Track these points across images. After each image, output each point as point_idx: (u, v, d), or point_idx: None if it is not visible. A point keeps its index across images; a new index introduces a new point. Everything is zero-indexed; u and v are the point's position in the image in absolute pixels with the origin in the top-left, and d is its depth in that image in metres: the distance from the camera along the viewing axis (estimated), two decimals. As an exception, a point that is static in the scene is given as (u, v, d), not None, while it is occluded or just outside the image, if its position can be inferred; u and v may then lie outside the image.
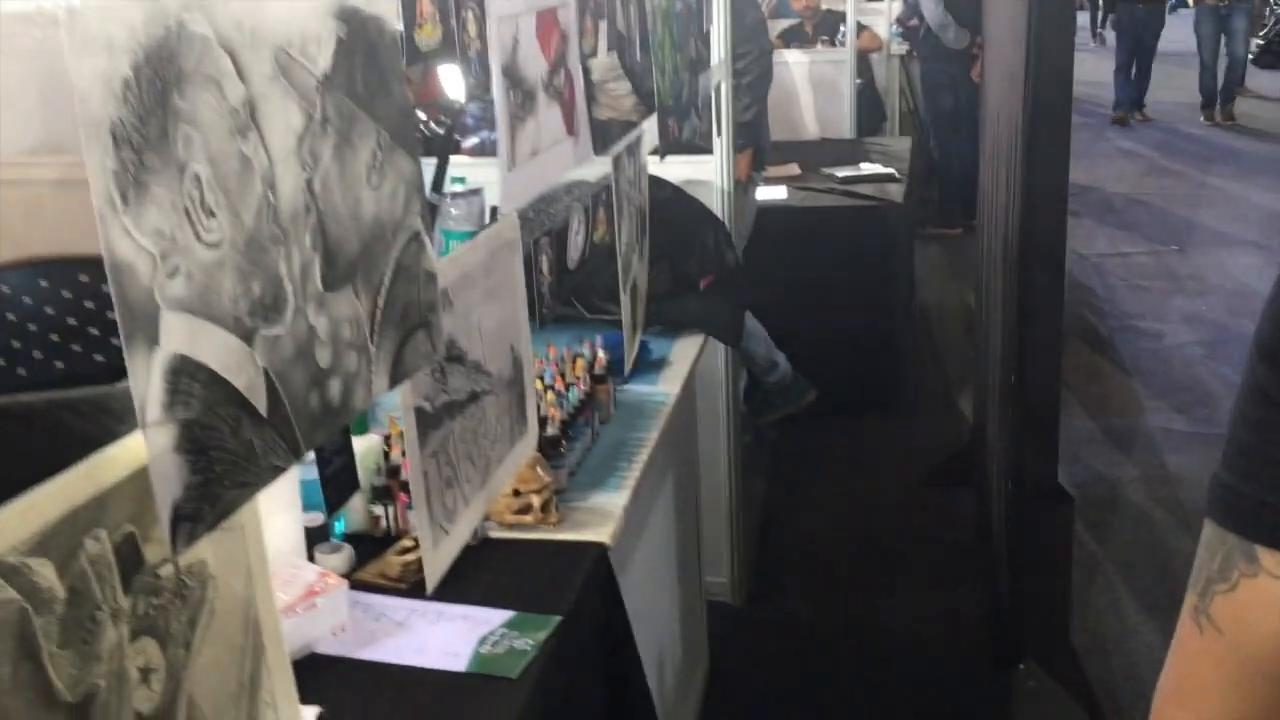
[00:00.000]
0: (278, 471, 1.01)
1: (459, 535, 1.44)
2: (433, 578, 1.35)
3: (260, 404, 0.99)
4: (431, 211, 2.52)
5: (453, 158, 2.74)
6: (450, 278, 1.40)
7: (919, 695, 3.12)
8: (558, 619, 1.71)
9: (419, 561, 1.47)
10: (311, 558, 1.80)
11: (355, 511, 1.89)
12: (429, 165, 2.53)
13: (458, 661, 1.62)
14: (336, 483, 1.13)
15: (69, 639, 0.80)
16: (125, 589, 0.86)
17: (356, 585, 1.78)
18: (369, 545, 1.88)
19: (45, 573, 0.77)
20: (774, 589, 3.66)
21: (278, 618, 1.04)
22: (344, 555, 1.82)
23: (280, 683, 1.04)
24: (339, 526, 1.89)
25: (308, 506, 1.78)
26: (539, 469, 1.95)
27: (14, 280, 2.80)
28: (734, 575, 3.52)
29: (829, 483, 4.34)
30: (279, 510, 1.72)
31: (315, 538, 1.81)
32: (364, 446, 1.90)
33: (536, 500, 1.95)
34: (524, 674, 1.58)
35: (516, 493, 1.93)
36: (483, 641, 1.66)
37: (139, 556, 0.87)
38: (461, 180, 2.68)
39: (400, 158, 1.26)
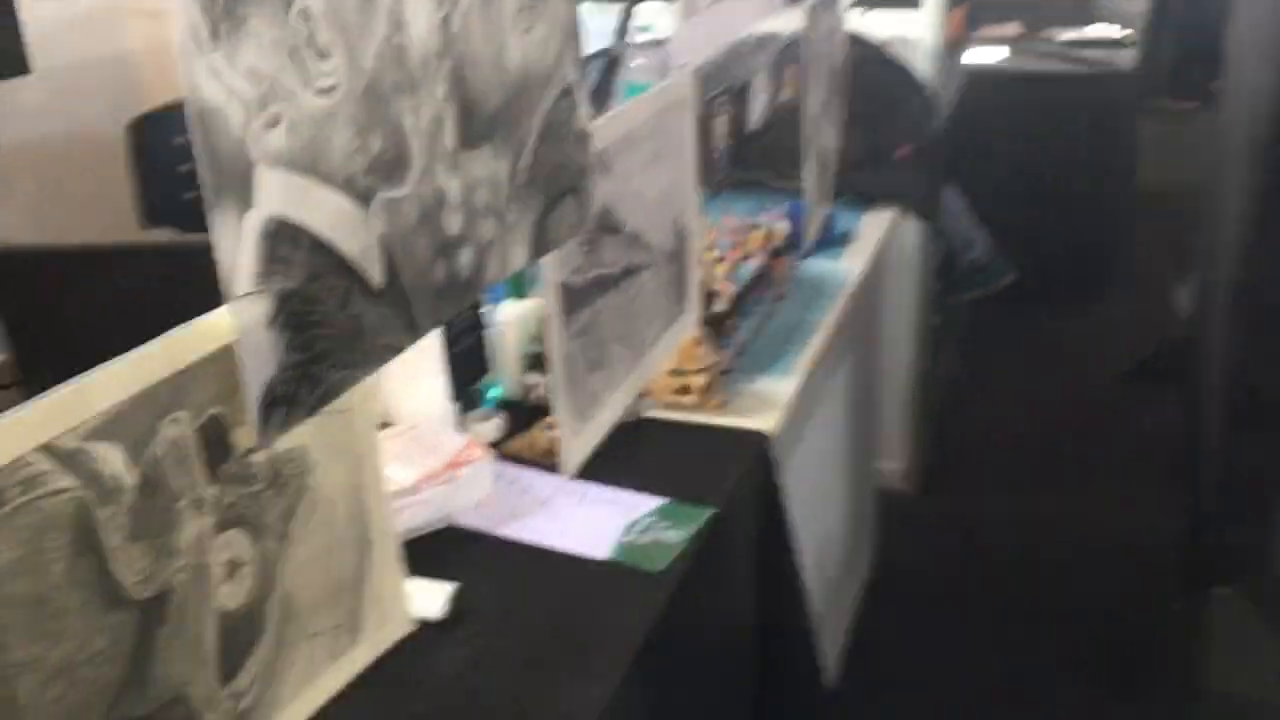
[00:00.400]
0: (392, 352, 0.90)
1: (603, 422, 1.33)
2: (569, 465, 1.24)
3: (374, 275, 0.88)
4: (613, 62, 2.36)
5: (640, 3, 2.56)
6: (609, 139, 1.25)
7: (1098, 608, 2.93)
8: (711, 511, 1.59)
9: (563, 442, 1.37)
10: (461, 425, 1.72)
11: (509, 378, 1.81)
12: (614, 9, 2.37)
13: (600, 549, 1.53)
14: (464, 364, 1.03)
15: (140, 532, 0.72)
16: (210, 477, 0.77)
17: (505, 457, 1.70)
18: (521, 415, 1.79)
19: (111, 459, 0.69)
20: (952, 481, 3.48)
21: (388, 508, 0.95)
22: (494, 424, 1.74)
23: (388, 578, 0.96)
24: (493, 394, 1.81)
25: (459, 370, 1.70)
26: (703, 348, 1.82)
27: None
28: (910, 464, 3.36)
29: (1022, 372, 4.08)
30: (427, 373, 1.64)
31: (468, 403, 1.74)
32: (521, 311, 1.80)
33: (698, 381, 1.82)
34: (669, 569, 1.48)
35: (677, 372, 1.81)
36: (628, 529, 1.56)
37: (227, 442, 0.78)
38: (648, 28, 2.51)
39: (560, 4, 1.11)
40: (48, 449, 0.64)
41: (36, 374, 1.70)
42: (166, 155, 2.70)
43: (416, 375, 1.65)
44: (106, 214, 2.93)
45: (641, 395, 1.77)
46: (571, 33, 1.13)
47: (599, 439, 1.32)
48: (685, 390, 1.83)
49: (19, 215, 2.91)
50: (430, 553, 1.51)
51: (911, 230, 3.04)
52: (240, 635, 0.81)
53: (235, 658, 0.81)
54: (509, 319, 1.76)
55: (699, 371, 1.83)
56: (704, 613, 1.55)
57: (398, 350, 0.91)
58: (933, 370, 3.43)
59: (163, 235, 2.40)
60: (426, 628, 1.34)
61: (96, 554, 0.69)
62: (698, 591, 1.51)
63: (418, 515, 1.54)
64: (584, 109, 1.16)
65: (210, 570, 0.78)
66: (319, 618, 0.88)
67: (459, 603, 1.39)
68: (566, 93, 1.13)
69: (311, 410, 0.82)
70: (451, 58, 0.96)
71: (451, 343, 1.01)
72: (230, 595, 0.80)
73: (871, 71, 2.50)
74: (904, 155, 2.65)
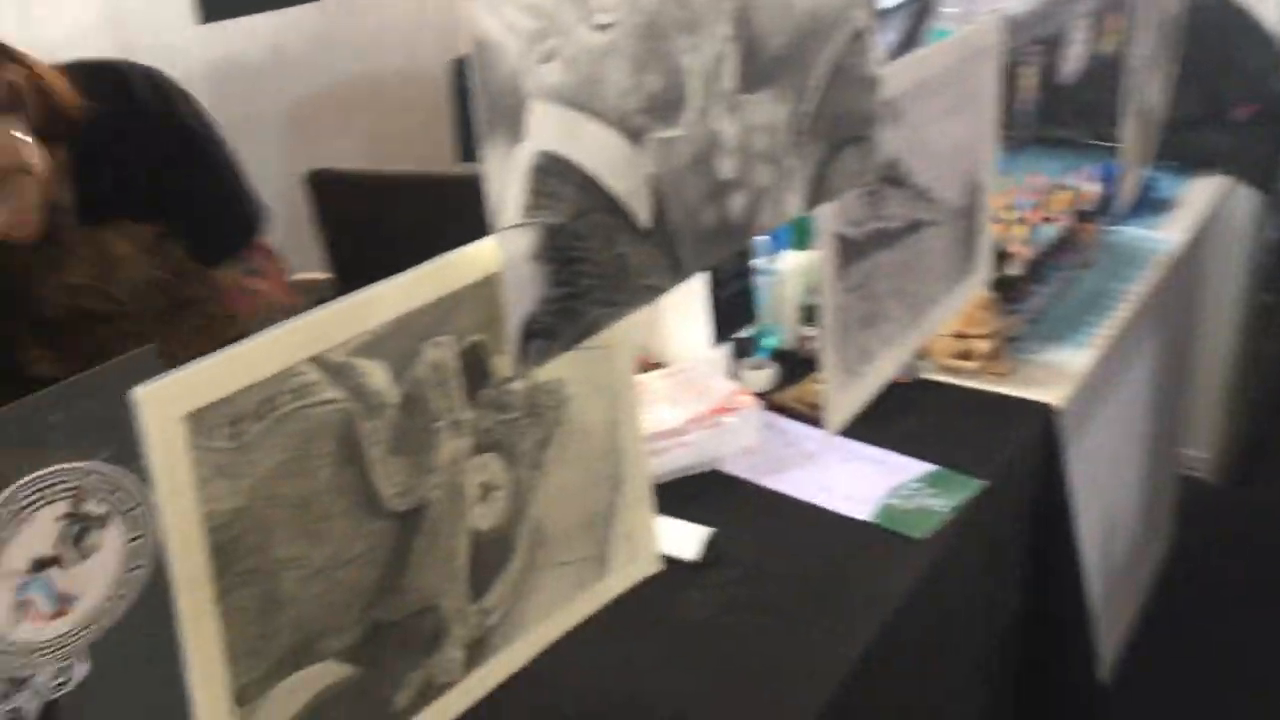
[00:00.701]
0: (654, 292, 0.90)
1: (874, 378, 1.28)
2: (834, 421, 1.21)
3: (641, 214, 0.88)
4: (924, 8, 2.26)
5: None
6: (902, 86, 1.20)
7: None
8: (982, 483, 1.52)
9: (832, 397, 1.34)
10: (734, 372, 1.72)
11: (786, 329, 1.79)
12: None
13: (862, 509, 1.49)
14: (729, 310, 1.02)
15: (400, 446, 0.75)
16: (469, 401, 0.80)
17: (773, 407, 1.69)
18: (794, 366, 1.77)
19: (376, 375, 0.72)
20: (1266, 471, 3.18)
21: (643, 448, 0.95)
22: (766, 374, 1.72)
23: (639, 516, 0.97)
24: (767, 343, 1.80)
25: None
26: (991, 311, 1.73)
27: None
28: (1220, 453, 3.09)
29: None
30: (702, 317, 1.65)
31: (741, 349, 1.73)
32: (801, 262, 1.77)
33: (983, 346, 1.74)
34: (931, 537, 1.42)
35: (960, 335, 1.73)
36: (894, 492, 1.51)
37: (486, 368, 0.81)
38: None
39: (855, -64, 1.06)
40: (317, 361, 0.68)
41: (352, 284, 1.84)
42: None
43: (691, 318, 1.66)
44: (429, 146, 3.10)
45: (920, 356, 1.71)
46: (867, -28, 1.08)
47: (868, 396, 1.28)
48: (968, 355, 1.75)
49: (356, 143, 3.12)
50: (691, 495, 1.52)
51: (1244, 199, 2.76)
52: (491, 555, 0.84)
53: (485, 576, 0.84)
54: (789, 269, 1.74)
55: (984, 336, 1.74)
56: (965, 587, 1.49)
57: (661, 291, 0.91)
58: (1258, 354, 3.13)
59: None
60: (679, 569, 1.35)
61: (359, 464, 0.73)
62: (960, 564, 1.45)
63: (682, 457, 1.55)
64: (874, 54, 1.11)
65: (465, 490, 0.81)
66: (568, 548, 0.91)
67: (714, 548, 1.40)
68: (856, 36, 1.09)
69: (570, 344, 0.83)
70: (737, -4, 0.94)
71: (717, 287, 1.00)
72: (483, 516, 0.83)
73: (1210, 19, 2.28)
74: (1244, 115, 2.41)
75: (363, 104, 3.12)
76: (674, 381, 1.63)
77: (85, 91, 1.39)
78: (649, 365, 1.70)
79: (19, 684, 0.91)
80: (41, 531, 0.61)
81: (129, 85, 1.44)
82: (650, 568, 0.97)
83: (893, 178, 1.23)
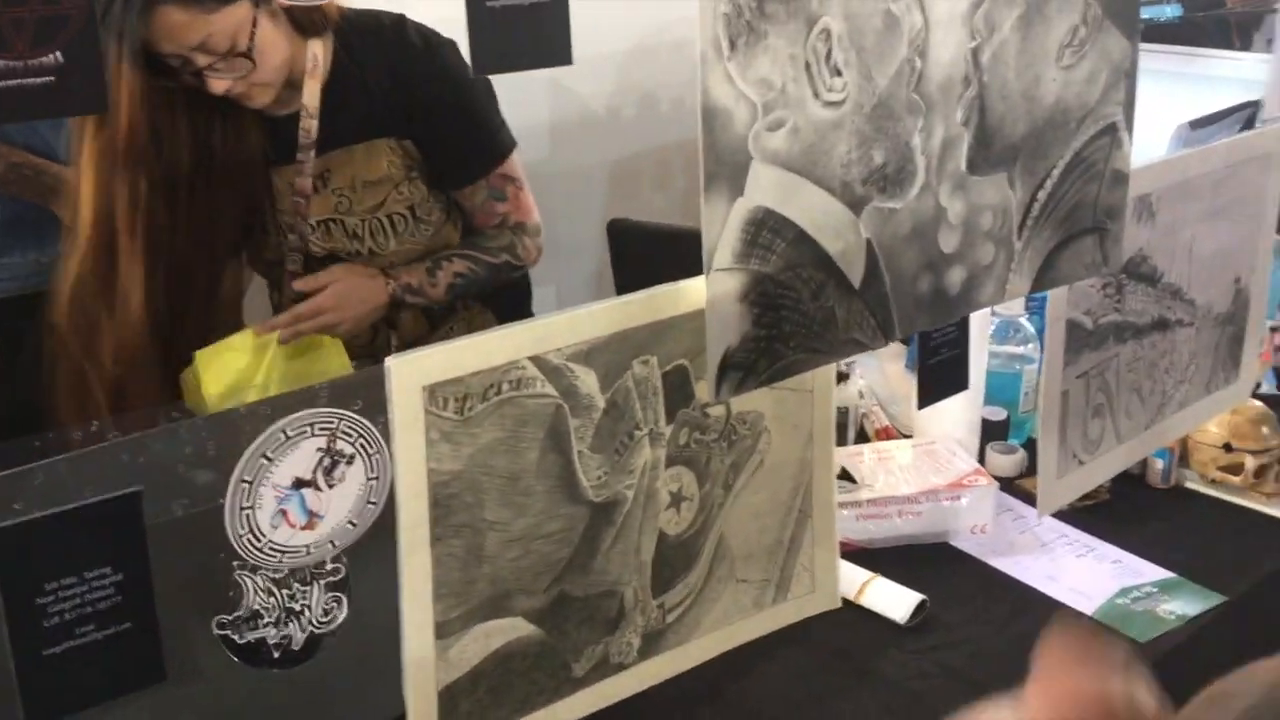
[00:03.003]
0: (858, 347, 0.98)
1: (1098, 469, 1.29)
2: (1046, 505, 1.23)
3: (854, 275, 0.97)
4: (1249, 115, 2.20)
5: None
6: (1157, 184, 1.22)
7: None
8: (1221, 599, 1.47)
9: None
10: (983, 452, 1.74)
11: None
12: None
13: (1086, 603, 1.48)
14: (935, 376, 1.07)
15: (601, 445, 0.88)
16: (669, 417, 0.91)
17: (1016, 492, 1.70)
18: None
19: (587, 380, 0.85)
20: None
21: (833, 488, 1.03)
22: (1015, 459, 1.73)
23: (822, 553, 1.04)
24: (1025, 429, 1.81)
25: (992, 400, 1.72)
26: (1267, 428, 1.67)
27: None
28: None
29: None
30: (962, 397, 1.69)
31: (992, 433, 1.75)
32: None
33: (1252, 462, 1.67)
34: (1153, 642, 1.40)
35: (1229, 447, 1.67)
36: (1124, 593, 1.49)
37: (689, 391, 0.92)
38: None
39: (1110, 37, 1.11)
40: (536, 360, 0.82)
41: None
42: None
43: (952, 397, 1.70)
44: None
45: (1184, 464, 1.67)
46: (1123, 70, 1.12)
47: (1088, 486, 1.29)
48: (1236, 469, 1.69)
49: (671, 201, 3.35)
50: (915, 563, 1.55)
51: None
52: (675, 559, 0.95)
53: (668, 576, 0.95)
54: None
55: (1257, 452, 1.68)
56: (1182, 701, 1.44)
57: (865, 347, 0.99)
58: None
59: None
60: (886, 627, 1.40)
61: (563, 453, 0.85)
62: (1183, 676, 1.40)
63: (910, 525, 1.60)
64: (1125, 149, 1.14)
65: (658, 495, 0.92)
66: (749, 567, 1.00)
67: (923, 613, 1.43)
68: (1107, 131, 1.13)
69: (766, 381, 0.92)
70: (977, 86, 1.02)
71: (928, 355, 1.06)
72: (671, 522, 0.94)
73: None
74: None
75: (682, 166, 3.35)
76: (918, 453, 1.68)
77: (363, 26, 1.61)
78: (897, 435, 1.76)
79: (292, 615, 1.10)
80: (304, 457, 0.77)
81: (403, 28, 1.64)
82: (827, 604, 1.05)
83: (1139, 273, 1.24)
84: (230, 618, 0.99)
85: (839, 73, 0.92)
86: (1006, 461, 1.73)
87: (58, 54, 0.56)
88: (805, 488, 1.01)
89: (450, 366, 0.77)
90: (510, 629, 0.87)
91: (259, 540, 0.82)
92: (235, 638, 1.01)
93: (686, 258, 2.15)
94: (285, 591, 1.02)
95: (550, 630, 0.89)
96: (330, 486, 0.79)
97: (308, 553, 0.84)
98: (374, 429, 0.79)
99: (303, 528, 0.80)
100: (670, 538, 0.94)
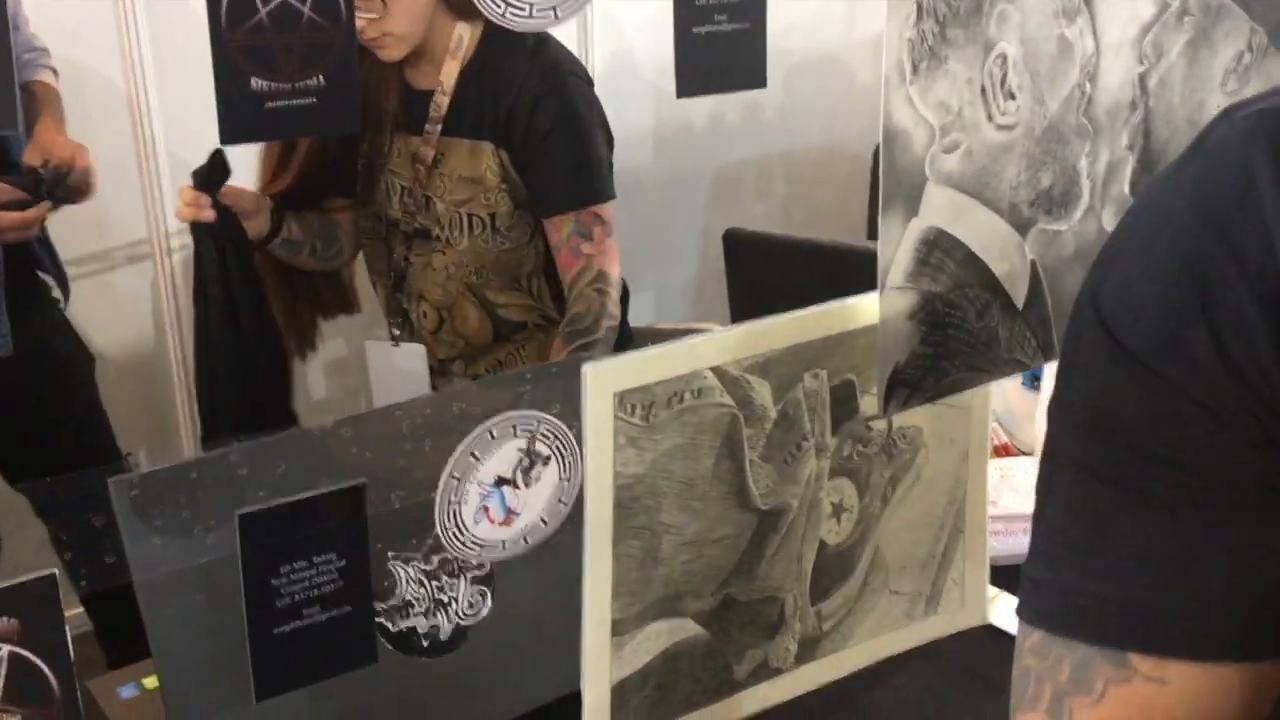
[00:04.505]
0: (1019, 366, 1.00)
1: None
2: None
3: (1018, 295, 0.98)
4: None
5: None
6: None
7: None
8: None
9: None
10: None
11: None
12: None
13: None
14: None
15: (771, 455, 0.90)
16: (834, 429, 0.93)
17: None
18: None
19: (761, 391, 0.88)
20: None
21: (985, 505, 1.05)
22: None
23: (973, 569, 1.06)
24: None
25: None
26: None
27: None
28: None
29: None
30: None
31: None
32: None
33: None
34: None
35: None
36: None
37: (854, 404, 0.94)
38: None
39: (1274, 63, 1.10)
40: (717, 370, 0.84)
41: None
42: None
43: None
44: (842, 221, 3.29)
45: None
46: (1285, 98, 1.12)
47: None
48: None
49: (770, 210, 3.37)
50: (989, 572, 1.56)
51: None
52: (833, 568, 0.97)
53: (826, 584, 0.97)
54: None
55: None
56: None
57: (1026, 367, 1.01)
58: None
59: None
60: (1008, 642, 1.41)
61: (737, 461, 0.88)
62: None
63: (1011, 544, 1.60)
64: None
65: (820, 505, 0.94)
66: (902, 579, 1.01)
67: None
68: (1266, 157, 1.12)
69: (932, 397, 0.94)
70: (1143, 111, 1.03)
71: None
72: (831, 532, 0.96)
73: None
74: None
75: (783, 175, 3.36)
76: (1023, 469, 1.68)
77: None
78: (1016, 453, 1.76)
79: (440, 606, 1.14)
80: (506, 457, 0.80)
81: (544, 45, 1.69)
82: (977, 619, 1.06)
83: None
84: (385, 606, 1.04)
85: (1013, 96, 0.93)
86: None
87: (320, 77, 0.60)
88: (959, 504, 1.03)
89: (640, 374, 0.80)
90: (680, 629, 0.89)
91: (463, 534, 0.85)
92: (389, 625, 1.05)
93: (803, 270, 2.17)
94: (435, 584, 1.06)
95: (716, 632, 0.92)
96: (528, 486, 0.82)
97: (503, 547, 0.87)
98: (569, 432, 0.82)
99: (501, 523, 0.84)
100: (830, 547, 0.96)
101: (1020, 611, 0.62)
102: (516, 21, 0.73)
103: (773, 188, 3.36)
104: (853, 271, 2.00)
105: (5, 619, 0.69)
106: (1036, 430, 1.73)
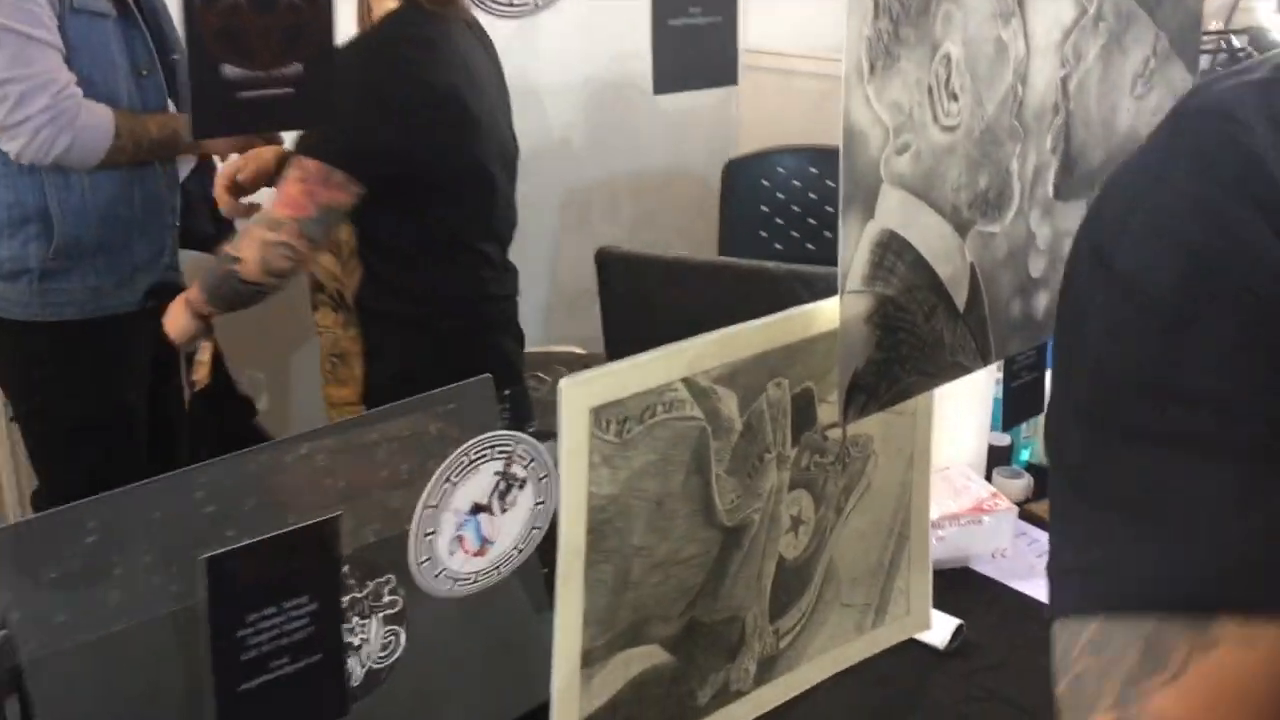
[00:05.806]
0: (961, 370, 0.99)
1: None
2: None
3: (959, 298, 0.98)
4: None
5: None
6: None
7: None
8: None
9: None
10: (989, 478, 1.77)
11: (1041, 442, 1.83)
12: None
13: (1111, 622, 1.51)
14: (1019, 399, 1.09)
15: (736, 468, 0.86)
16: (793, 440, 0.90)
17: (1026, 516, 1.73)
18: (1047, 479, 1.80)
19: (729, 402, 0.84)
20: None
21: (928, 511, 1.03)
22: (1022, 484, 1.77)
23: (917, 575, 1.05)
24: (1024, 454, 1.84)
25: (995, 426, 1.76)
26: None
27: (789, 163, 3.07)
28: None
29: None
30: (968, 423, 1.71)
31: (997, 459, 1.78)
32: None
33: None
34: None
35: None
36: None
37: (812, 413, 0.91)
38: None
39: (1175, 69, 1.14)
40: (687, 382, 0.80)
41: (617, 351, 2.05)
42: (748, 198, 3.00)
43: (961, 422, 1.72)
44: (690, 238, 3.30)
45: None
46: (1183, 104, 1.16)
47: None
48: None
49: (621, 230, 3.36)
50: (942, 589, 1.57)
51: None
52: (791, 583, 0.94)
53: (783, 600, 0.94)
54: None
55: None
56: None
57: (966, 370, 1.00)
58: None
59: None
60: (927, 654, 1.41)
61: (704, 476, 0.84)
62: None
63: (935, 550, 1.61)
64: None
65: (780, 519, 0.91)
66: (853, 591, 0.99)
67: (960, 639, 1.45)
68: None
69: (885, 404, 0.92)
70: (1064, 114, 1.04)
71: (1011, 377, 1.08)
72: (789, 546, 0.93)
73: None
74: None
75: (631, 195, 3.36)
76: (935, 479, 1.70)
77: None
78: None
79: (351, 649, 1.06)
80: (482, 482, 0.74)
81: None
82: (920, 627, 1.05)
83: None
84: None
85: (955, 97, 0.93)
86: (1014, 486, 1.76)
87: (298, 65, 0.54)
88: (905, 511, 1.01)
89: (615, 388, 0.76)
90: (648, 656, 0.85)
91: (436, 568, 0.78)
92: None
93: (685, 289, 2.14)
94: (344, 626, 0.99)
95: (681, 658, 0.87)
96: (504, 511, 0.76)
97: (474, 580, 0.81)
98: (544, 451, 0.77)
99: (476, 554, 0.77)
100: (788, 562, 0.93)
101: (1067, 608, 0.57)
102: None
103: (620, 209, 3.35)
104: (737, 286, 1.99)
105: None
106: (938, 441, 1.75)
